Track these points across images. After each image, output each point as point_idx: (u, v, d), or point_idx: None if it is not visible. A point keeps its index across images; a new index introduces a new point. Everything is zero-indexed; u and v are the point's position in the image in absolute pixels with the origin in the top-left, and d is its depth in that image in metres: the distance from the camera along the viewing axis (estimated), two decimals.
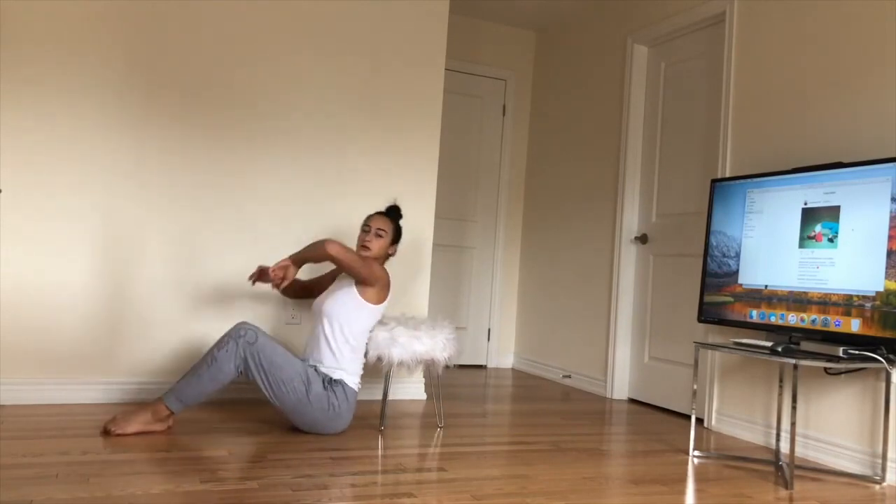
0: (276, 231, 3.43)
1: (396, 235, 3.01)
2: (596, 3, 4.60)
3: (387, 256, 3.00)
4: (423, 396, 3.71)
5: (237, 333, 2.61)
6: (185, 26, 3.28)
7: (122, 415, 2.60)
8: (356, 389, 2.80)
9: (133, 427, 2.56)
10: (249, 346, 2.60)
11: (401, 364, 2.82)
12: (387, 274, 2.88)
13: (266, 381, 2.61)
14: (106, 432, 2.56)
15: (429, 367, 2.96)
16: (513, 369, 5.09)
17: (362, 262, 2.77)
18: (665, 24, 3.97)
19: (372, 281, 2.80)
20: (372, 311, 2.86)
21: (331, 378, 2.74)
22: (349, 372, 2.79)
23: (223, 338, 2.62)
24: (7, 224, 2.99)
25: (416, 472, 2.33)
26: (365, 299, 2.83)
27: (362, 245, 2.92)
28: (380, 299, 2.87)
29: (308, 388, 2.64)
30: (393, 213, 3.05)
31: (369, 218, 2.98)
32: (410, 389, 3.69)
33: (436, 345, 2.87)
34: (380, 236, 2.93)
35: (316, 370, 2.74)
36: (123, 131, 3.17)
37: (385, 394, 2.96)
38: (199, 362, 2.62)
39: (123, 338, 3.16)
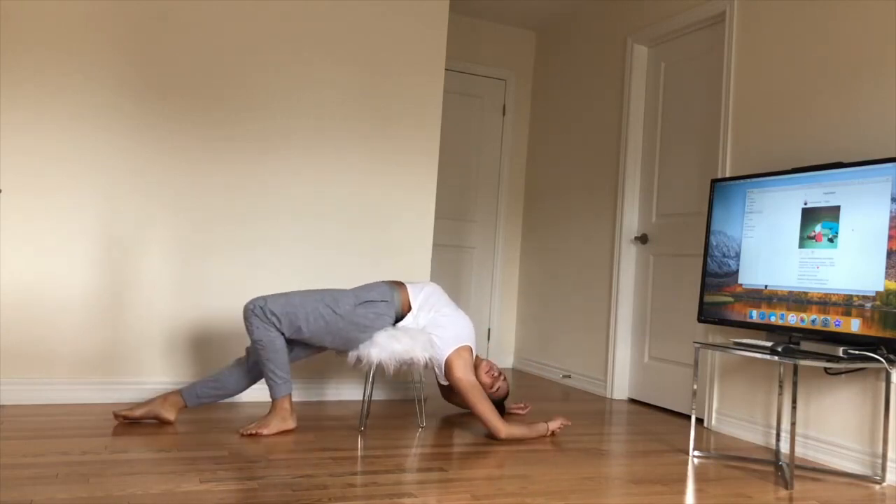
0: (276, 231, 3.43)
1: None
2: (596, 3, 4.59)
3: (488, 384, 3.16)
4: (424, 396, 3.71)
5: (251, 312, 2.73)
6: (185, 28, 3.28)
7: (261, 421, 2.72)
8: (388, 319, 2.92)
9: (273, 429, 2.70)
10: (264, 310, 2.71)
11: (380, 364, 2.79)
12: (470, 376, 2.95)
13: (300, 327, 2.75)
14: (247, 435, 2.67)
15: (409, 367, 2.93)
16: (513, 369, 5.09)
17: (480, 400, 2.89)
18: (665, 24, 3.97)
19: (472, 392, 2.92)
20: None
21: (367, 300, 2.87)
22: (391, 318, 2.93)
23: (246, 324, 2.74)
24: (7, 224, 2.99)
25: (416, 472, 2.33)
26: (445, 360, 2.93)
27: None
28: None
29: (335, 306, 2.79)
30: None
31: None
32: (408, 389, 3.70)
33: (415, 344, 2.80)
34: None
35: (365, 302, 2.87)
36: (124, 132, 3.17)
37: (367, 393, 2.91)
38: (255, 354, 2.76)
39: (123, 338, 3.16)
